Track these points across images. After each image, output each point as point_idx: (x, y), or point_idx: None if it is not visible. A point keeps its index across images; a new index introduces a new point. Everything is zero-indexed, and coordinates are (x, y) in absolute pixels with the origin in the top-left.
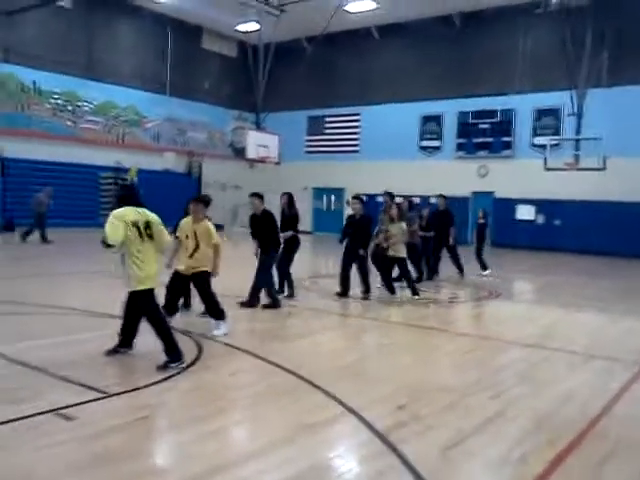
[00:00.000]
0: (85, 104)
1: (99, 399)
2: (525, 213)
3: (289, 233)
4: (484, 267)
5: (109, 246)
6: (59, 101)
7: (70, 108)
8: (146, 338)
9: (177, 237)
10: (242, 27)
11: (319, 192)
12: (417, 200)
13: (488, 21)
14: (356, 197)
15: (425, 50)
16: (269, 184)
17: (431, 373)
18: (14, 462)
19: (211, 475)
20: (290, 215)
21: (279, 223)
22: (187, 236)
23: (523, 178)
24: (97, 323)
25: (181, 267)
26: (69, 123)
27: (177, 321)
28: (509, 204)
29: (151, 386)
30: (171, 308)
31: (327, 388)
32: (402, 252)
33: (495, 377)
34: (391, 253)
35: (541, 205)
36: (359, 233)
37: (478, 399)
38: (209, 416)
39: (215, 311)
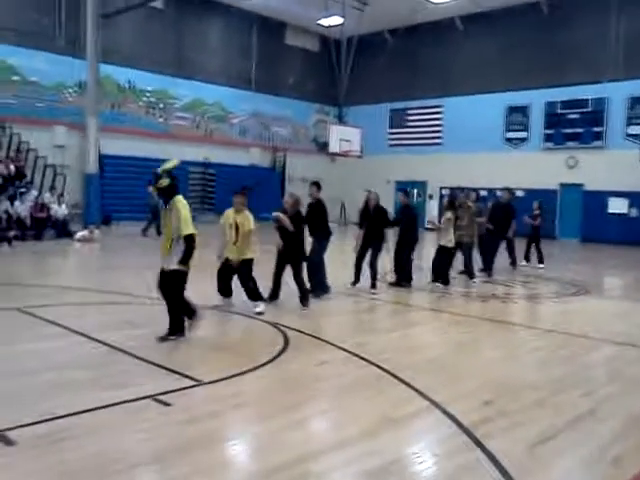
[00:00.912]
0: (175, 101)
1: (194, 386)
2: (617, 206)
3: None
4: (538, 259)
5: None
6: (151, 99)
7: (161, 105)
8: (233, 331)
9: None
10: (325, 21)
11: (402, 185)
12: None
13: (578, 6)
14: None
15: (511, 39)
16: (351, 178)
17: (518, 369)
18: (116, 444)
19: (299, 463)
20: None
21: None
22: (230, 225)
23: (615, 170)
24: None
25: (229, 256)
26: (160, 120)
27: (265, 313)
28: (600, 197)
29: (242, 375)
30: (226, 291)
31: (412, 382)
32: (449, 242)
33: (585, 375)
34: (442, 242)
35: (635, 198)
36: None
37: (567, 397)
38: (297, 405)
39: (254, 294)
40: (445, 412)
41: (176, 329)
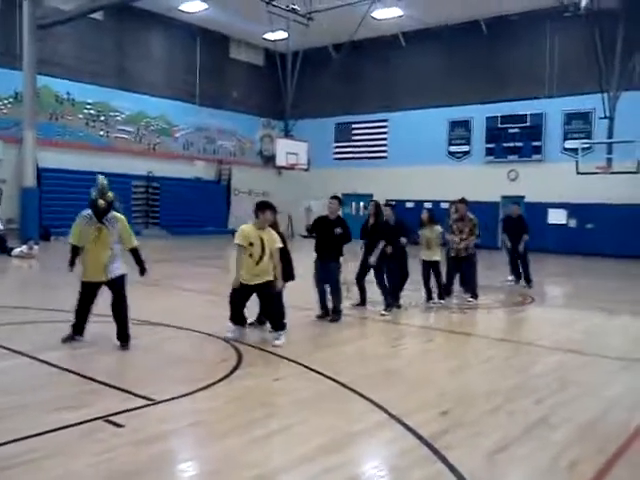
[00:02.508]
0: (117, 114)
1: (146, 406)
2: (556, 217)
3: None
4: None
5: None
6: (92, 111)
7: (102, 118)
8: (182, 347)
9: (240, 245)
10: (269, 36)
11: (347, 199)
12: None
13: (516, 25)
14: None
15: (452, 55)
16: (297, 191)
17: (472, 379)
18: (71, 468)
19: None
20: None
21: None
22: (251, 243)
23: (554, 182)
24: (137, 331)
25: (245, 277)
26: (102, 133)
27: (214, 329)
28: (540, 208)
29: (196, 392)
30: (239, 318)
31: (370, 395)
32: (436, 256)
33: (537, 382)
34: (424, 257)
35: (573, 209)
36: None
37: (521, 404)
38: (253, 423)
39: (280, 322)
40: (403, 424)
41: (127, 336)
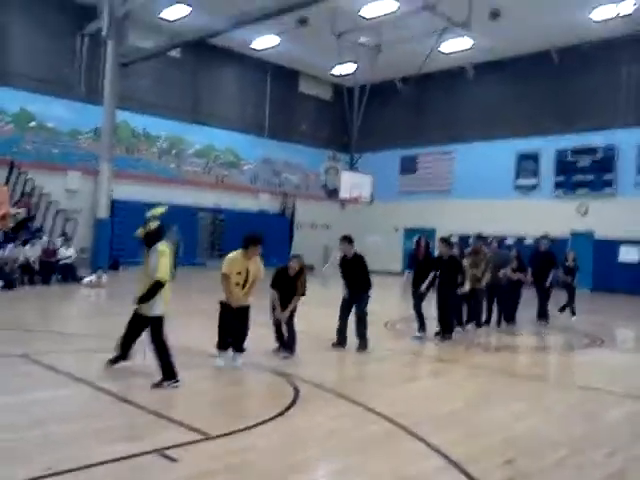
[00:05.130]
0: (188, 147)
1: (200, 440)
2: (628, 255)
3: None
4: (573, 312)
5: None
6: (165, 145)
7: (174, 151)
8: (238, 380)
9: (225, 274)
10: (337, 70)
11: (410, 233)
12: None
13: (588, 55)
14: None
15: (521, 86)
16: (359, 224)
17: (538, 425)
18: None
19: None
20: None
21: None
22: (239, 272)
23: (627, 217)
24: (192, 362)
25: (230, 302)
26: (173, 165)
27: (270, 362)
28: (611, 245)
29: (250, 429)
30: (226, 343)
31: (428, 438)
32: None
33: (608, 433)
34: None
35: None
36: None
37: (591, 457)
38: (306, 464)
39: (240, 345)
40: (464, 472)
41: (169, 375)
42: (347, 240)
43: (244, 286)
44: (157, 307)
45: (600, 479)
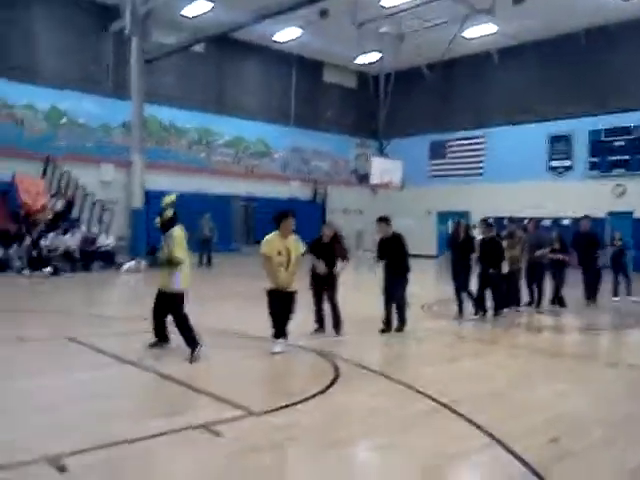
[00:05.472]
0: (217, 138)
1: (244, 417)
2: None
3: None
4: (614, 294)
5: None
6: (194, 136)
7: (204, 142)
8: (280, 359)
9: (267, 256)
10: (361, 59)
11: (443, 216)
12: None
13: (616, 35)
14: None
15: (549, 69)
16: (392, 209)
17: (583, 404)
18: (169, 475)
19: None
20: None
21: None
22: (280, 252)
23: None
24: (232, 343)
25: (276, 285)
26: (203, 155)
27: (311, 342)
28: None
29: (292, 406)
30: (283, 330)
31: (471, 416)
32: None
33: None
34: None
35: None
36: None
37: (639, 436)
38: (349, 441)
39: (283, 330)
40: (508, 450)
41: (194, 344)
42: (384, 220)
43: (288, 266)
44: (177, 283)
45: None
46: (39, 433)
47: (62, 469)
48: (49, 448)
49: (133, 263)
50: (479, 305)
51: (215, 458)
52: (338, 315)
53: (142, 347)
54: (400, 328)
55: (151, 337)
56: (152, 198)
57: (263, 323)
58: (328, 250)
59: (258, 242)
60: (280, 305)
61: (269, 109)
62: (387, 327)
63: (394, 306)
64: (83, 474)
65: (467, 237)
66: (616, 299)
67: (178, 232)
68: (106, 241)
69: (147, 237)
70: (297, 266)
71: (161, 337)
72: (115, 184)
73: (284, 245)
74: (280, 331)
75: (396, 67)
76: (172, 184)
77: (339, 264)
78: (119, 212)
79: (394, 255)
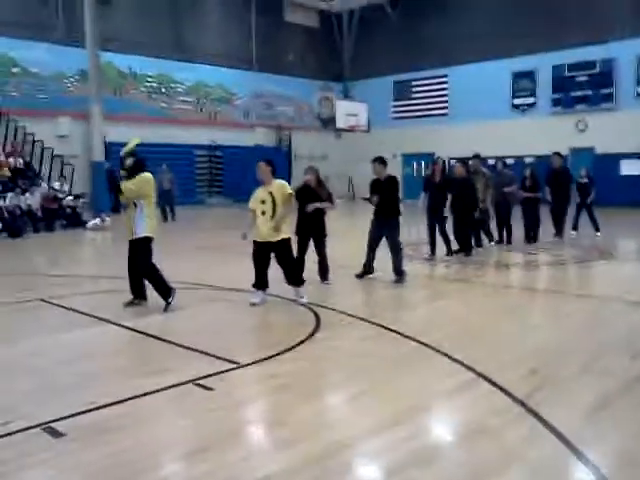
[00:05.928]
0: (177, 85)
1: (232, 369)
2: (630, 168)
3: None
4: (574, 227)
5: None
6: (153, 84)
7: (164, 90)
8: (259, 311)
9: (250, 209)
10: None
11: (409, 159)
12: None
13: None
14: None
15: (512, 4)
16: (356, 153)
17: (558, 335)
18: (164, 432)
19: (351, 444)
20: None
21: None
22: (263, 201)
23: (627, 131)
24: (210, 295)
25: (260, 236)
26: (164, 105)
27: (287, 292)
28: (612, 160)
29: (279, 355)
30: (262, 282)
31: (454, 354)
32: None
33: (630, 338)
34: None
35: None
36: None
37: (616, 361)
38: (340, 385)
39: (298, 278)
40: (493, 382)
41: (167, 292)
42: (380, 161)
43: (273, 214)
44: (142, 228)
45: (625, 381)
46: (31, 398)
47: (56, 434)
48: (42, 413)
49: (97, 220)
50: (464, 244)
51: (209, 412)
52: (326, 264)
53: (119, 306)
54: (400, 280)
55: (127, 295)
56: (113, 152)
57: (235, 275)
58: (314, 196)
59: (221, 193)
60: (263, 256)
61: (229, 53)
62: (366, 271)
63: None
64: (78, 437)
65: (444, 178)
66: (573, 233)
67: (148, 175)
68: (70, 199)
69: (110, 192)
70: (287, 210)
71: (138, 294)
72: (73, 138)
73: (267, 192)
74: (259, 282)
75: (359, 3)
76: (133, 135)
77: (323, 204)
78: (79, 168)
79: (387, 198)
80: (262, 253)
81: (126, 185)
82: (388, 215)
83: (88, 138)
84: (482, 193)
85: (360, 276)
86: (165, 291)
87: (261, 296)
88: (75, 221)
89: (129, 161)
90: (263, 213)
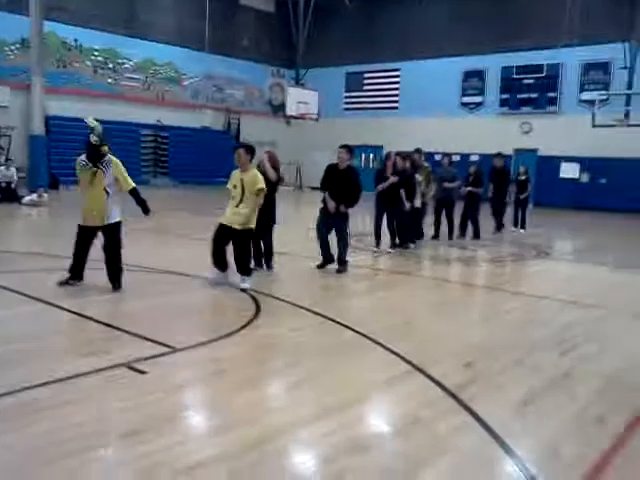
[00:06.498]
0: (125, 61)
1: (167, 353)
2: (569, 171)
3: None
4: (514, 224)
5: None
6: (100, 58)
7: (111, 65)
8: (198, 296)
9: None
10: None
11: (357, 150)
12: (457, 158)
13: None
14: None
15: (467, 3)
16: (305, 141)
17: (493, 331)
18: (96, 415)
19: (285, 431)
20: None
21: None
22: (235, 186)
23: (568, 135)
24: (148, 278)
25: (225, 219)
26: (110, 80)
27: (232, 279)
28: (553, 162)
29: (216, 341)
30: (222, 263)
31: (391, 345)
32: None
33: (560, 335)
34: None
35: (586, 163)
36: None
37: (546, 357)
38: (276, 372)
39: (246, 268)
40: (427, 375)
41: (118, 279)
42: (347, 148)
43: (241, 201)
44: (117, 212)
45: (555, 376)
46: None
47: None
48: None
49: (34, 196)
50: (409, 236)
51: (141, 396)
52: (272, 251)
53: (53, 285)
54: (342, 269)
55: (62, 274)
56: (55, 125)
57: (177, 258)
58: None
59: (166, 175)
60: (221, 238)
61: (182, 32)
62: (326, 262)
63: (336, 242)
64: (7, 418)
65: (394, 172)
66: (514, 229)
67: (117, 160)
68: (7, 173)
69: (49, 168)
70: (253, 204)
71: (76, 275)
72: (12, 109)
73: (239, 178)
74: (216, 260)
75: None
76: (76, 110)
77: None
78: (17, 141)
79: (345, 188)
80: (221, 235)
81: (127, 178)
82: (341, 203)
83: (28, 110)
84: (424, 187)
85: (320, 266)
86: (119, 279)
87: (217, 274)
88: (10, 195)
89: (98, 140)
90: (233, 198)
